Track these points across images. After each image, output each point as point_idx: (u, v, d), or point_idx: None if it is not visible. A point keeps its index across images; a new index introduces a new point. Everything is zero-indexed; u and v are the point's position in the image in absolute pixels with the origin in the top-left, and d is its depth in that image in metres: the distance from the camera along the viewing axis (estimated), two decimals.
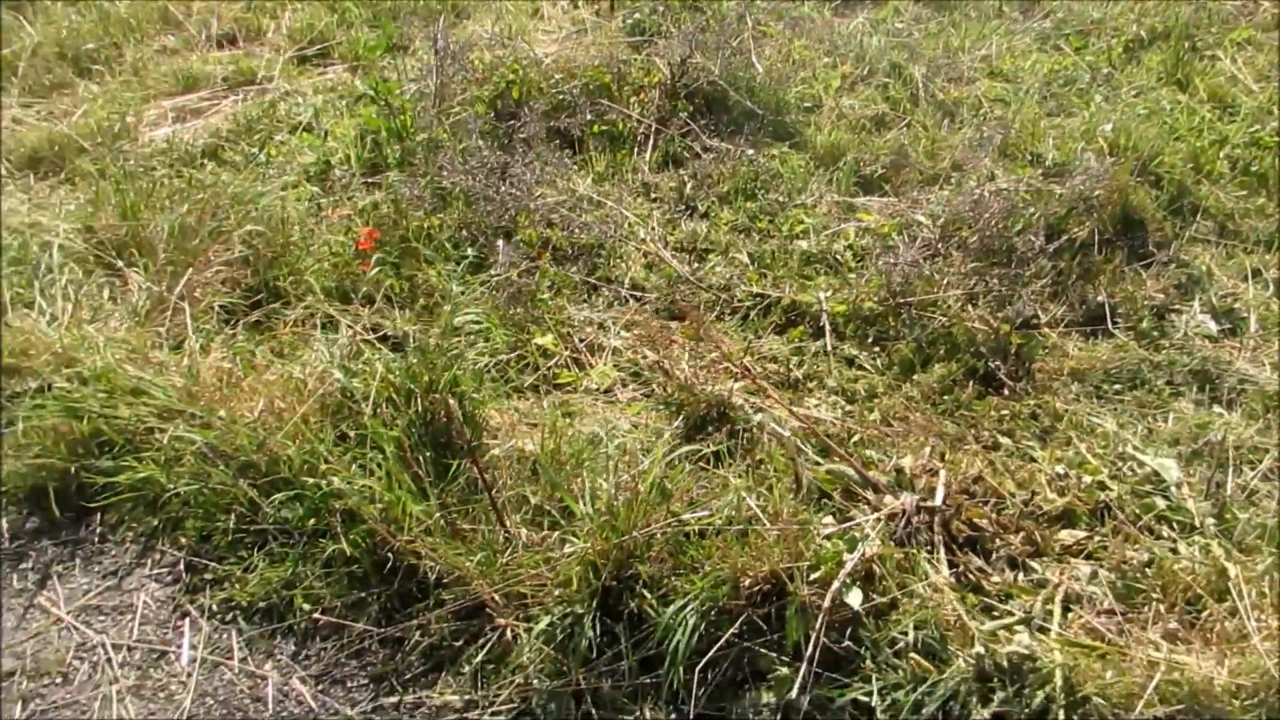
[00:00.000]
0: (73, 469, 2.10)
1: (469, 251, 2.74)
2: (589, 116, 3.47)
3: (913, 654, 1.70)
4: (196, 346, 2.18)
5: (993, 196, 2.83)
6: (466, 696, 1.77)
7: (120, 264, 2.57)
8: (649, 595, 1.78)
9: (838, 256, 2.88)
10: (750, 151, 3.33)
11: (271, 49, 4.05)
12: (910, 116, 3.57)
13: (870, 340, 2.60)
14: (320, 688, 1.81)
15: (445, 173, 2.87)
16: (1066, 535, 1.98)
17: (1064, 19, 4.29)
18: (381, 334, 2.40)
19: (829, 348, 2.54)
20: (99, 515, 2.11)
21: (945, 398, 2.39)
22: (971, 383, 2.42)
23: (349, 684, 1.83)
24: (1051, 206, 2.85)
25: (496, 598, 1.80)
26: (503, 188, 2.85)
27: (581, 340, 2.55)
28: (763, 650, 1.75)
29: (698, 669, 1.72)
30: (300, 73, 3.87)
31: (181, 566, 2.02)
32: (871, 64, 3.90)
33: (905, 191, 3.15)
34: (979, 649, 1.67)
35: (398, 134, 3.15)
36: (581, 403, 2.36)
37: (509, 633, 1.79)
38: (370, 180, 3.05)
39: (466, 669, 1.81)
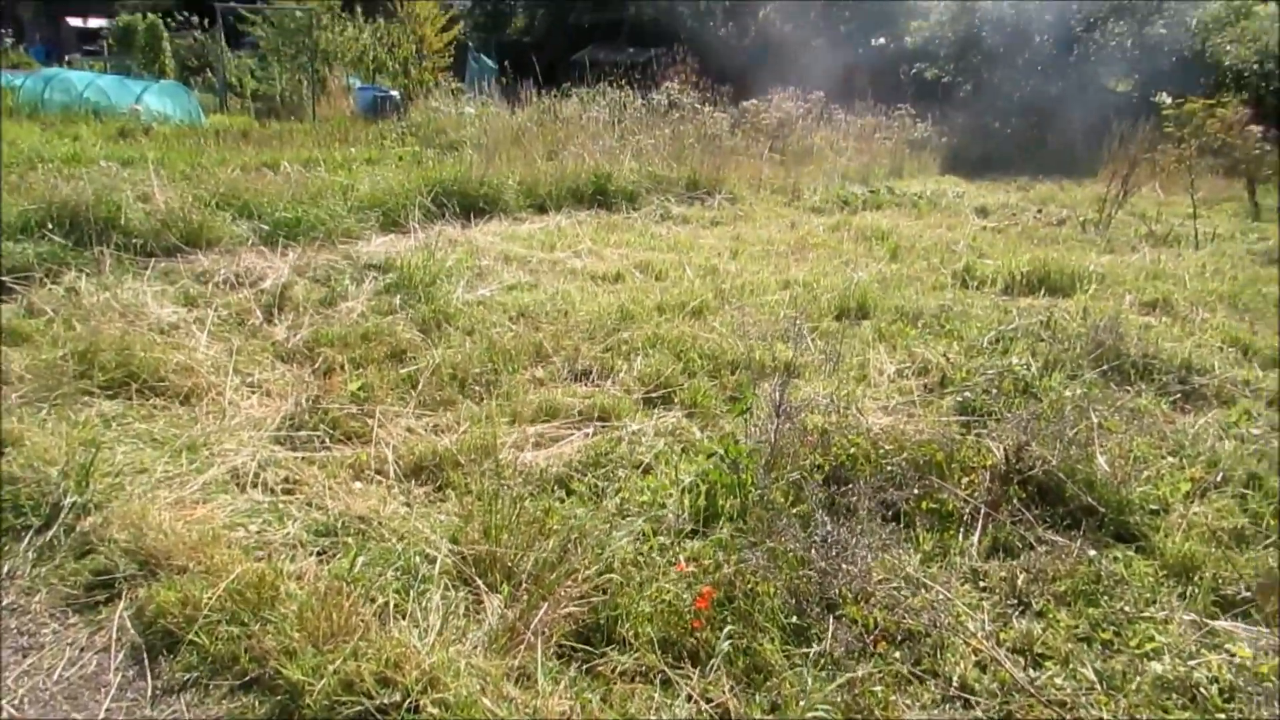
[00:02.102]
0: None
1: (794, 619, 2.76)
2: (917, 492, 3.51)
3: None
4: (546, 689, 2.30)
5: None
6: None
7: (480, 583, 2.82)
8: None
9: (1201, 689, 2.60)
10: (1091, 552, 3.18)
11: (622, 388, 4.51)
12: (1274, 535, 3.30)
13: None
14: None
15: (781, 537, 2.96)
16: None
17: None
18: (715, 703, 2.42)
19: None
20: None
21: None
22: None
23: None
24: None
25: None
26: (833, 559, 2.89)
27: None
28: None
29: None
30: (645, 413, 4.25)
31: None
32: (1225, 470, 3.70)
33: (1277, 622, 2.84)
34: None
35: (735, 489, 3.33)
36: None
37: None
38: (703, 530, 3.21)
39: None
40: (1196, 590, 3.00)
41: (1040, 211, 11.27)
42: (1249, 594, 2.98)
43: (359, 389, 4.26)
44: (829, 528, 2.94)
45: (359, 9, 19.86)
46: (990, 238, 9.20)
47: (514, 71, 14.91)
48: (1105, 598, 3.00)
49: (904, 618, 2.84)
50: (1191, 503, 3.51)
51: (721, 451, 3.41)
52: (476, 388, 4.44)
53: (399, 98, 17.38)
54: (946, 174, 15.75)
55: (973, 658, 2.75)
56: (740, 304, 5.90)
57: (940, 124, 18.26)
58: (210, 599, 2.58)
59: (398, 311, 5.31)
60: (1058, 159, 16.27)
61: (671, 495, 3.44)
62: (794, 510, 3.25)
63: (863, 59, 24.71)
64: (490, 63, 22.54)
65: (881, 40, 26.59)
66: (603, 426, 4.11)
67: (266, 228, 6.71)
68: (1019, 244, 8.72)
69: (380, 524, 3.16)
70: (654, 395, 4.46)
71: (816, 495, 3.30)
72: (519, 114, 13.41)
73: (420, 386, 4.34)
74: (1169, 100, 11.82)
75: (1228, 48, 17.63)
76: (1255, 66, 17.81)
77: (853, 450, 3.62)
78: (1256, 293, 6.73)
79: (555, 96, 14.58)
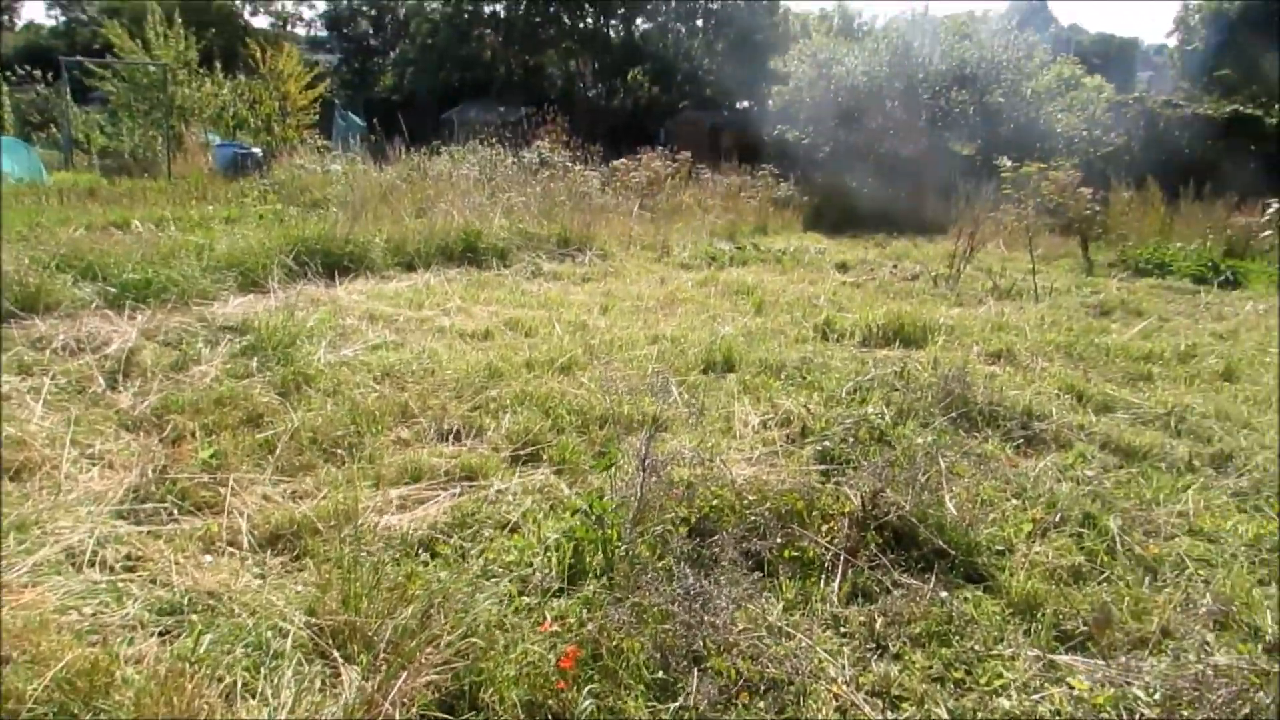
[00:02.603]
0: None
1: (660, 674, 2.76)
2: (779, 541, 3.59)
3: None
4: None
5: (1215, 675, 2.67)
6: None
7: (337, 655, 2.72)
8: None
9: None
10: (943, 593, 3.31)
11: (490, 447, 4.47)
12: (1109, 570, 3.51)
13: None
14: None
15: (646, 592, 2.97)
16: None
17: (1261, 480, 4.24)
18: None
19: None
20: None
21: None
22: None
23: None
24: None
25: None
26: (698, 611, 2.92)
27: None
28: None
29: None
30: (513, 472, 4.22)
31: None
32: (1063, 511, 3.92)
33: (1113, 655, 3.01)
34: None
35: (601, 546, 3.33)
36: None
37: None
38: (570, 588, 3.19)
39: None
40: (1039, 626, 3.16)
41: (896, 267, 11.83)
42: (1086, 628, 3.16)
43: (211, 457, 4.08)
44: (691, 580, 2.97)
45: (218, 64, 19.38)
46: (850, 292, 9.58)
47: (383, 129, 14.78)
48: (957, 638, 3.12)
49: (767, 667, 2.89)
50: (1033, 542, 3.70)
51: (587, 507, 3.41)
52: (338, 451, 4.31)
53: (261, 155, 16.98)
54: (809, 231, 16.37)
55: (833, 703, 2.80)
56: (609, 359, 5.95)
57: (802, 183, 19.02)
58: (35, 691, 2.40)
59: (255, 374, 5.13)
60: (911, 217, 17.14)
61: (539, 554, 3.41)
62: (660, 564, 3.27)
63: (728, 121, 25.61)
64: (358, 120, 22.31)
65: (746, 103, 27.64)
66: (470, 486, 4.05)
67: (113, 290, 6.38)
68: (876, 298, 9.11)
69: (231, 599, 3.02)
70: (522, 453, 4.43)
71: (681, 548, 3.34)
72: (388, 171, 13.29)
73: (278, 452, 4.19)
74: (1008, 163, 12.68)
75: (1059, 116, 19.06)
76: (1084, 133, 19.31)
77: (716, 502, 3.68)
78: (1090, 342, 7.21)
79: (425, 154, 14.53)
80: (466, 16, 30.72)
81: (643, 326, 7.10)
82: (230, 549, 3.41)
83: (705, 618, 2.89)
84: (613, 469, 3.92)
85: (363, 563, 3.15)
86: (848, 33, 25.57)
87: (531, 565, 3.34)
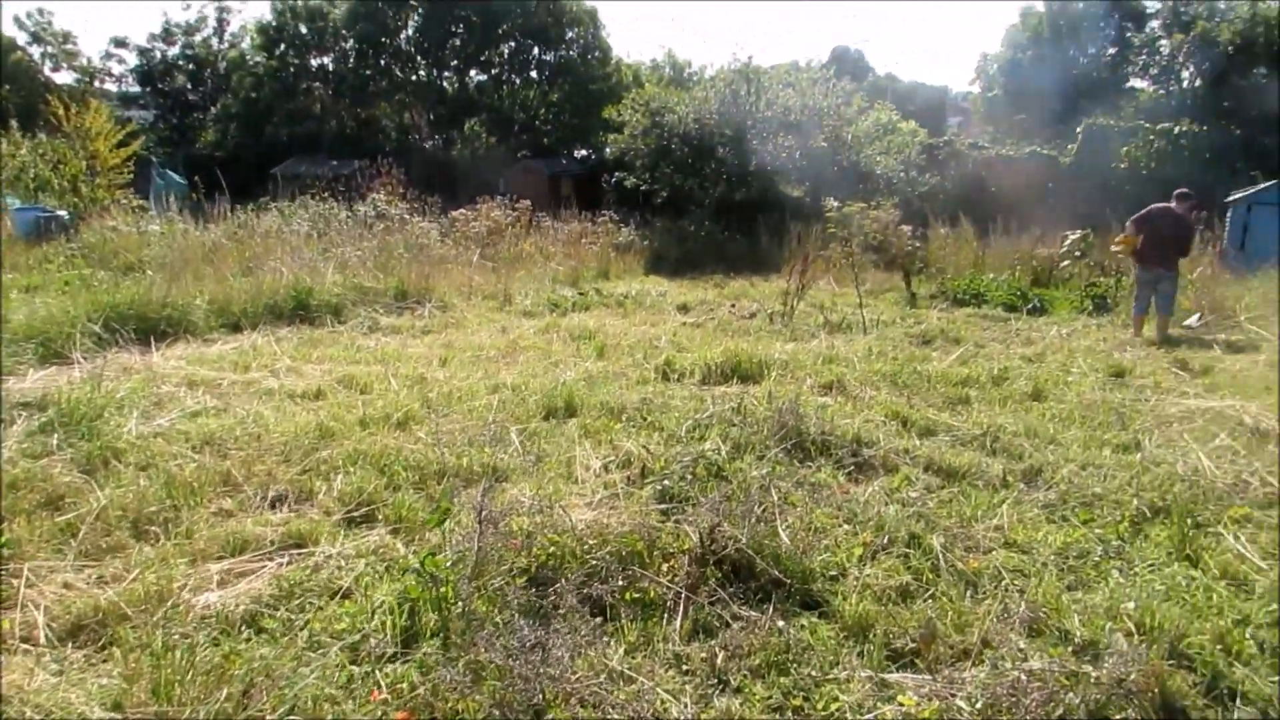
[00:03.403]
0: None
1: None
2: (621, 583, 3.58)
3: None
4: None
5: (1029, 679, 2.81)
6: None
7: None
8: None
9: None
10: (781, 623, 3.37)
11: (321, 511, 4.29)
12: (934, 587, 3.66)
13: None
14: None
15: (482, 648, 2.90)
16: None
17: (1067, 491, 4.54)
18: None
19: None
20: None
21: None
22: None
23: None
24: (1090, 692, 2.82)
25: None
26: (536, 663, 2.86)
27: None
28: None
29: None
30: (346, 535, 4.05)
31: None
32: (890, 533, 4.08)
33: (938, 669, 3.13)
34: None
35: (437, 604, 3.23)
36: None
37: None
38: (405, 652, 3.07)
39: None
40: (871, 647, 3.25)
41: (734, 306, 12.18)
42: (914, 644, 3.28)
43: (2, 545, 3.74)
44: (527, 632, 2.91)
45: (14, 123, 18.15)
46: (690, 332, 9.78)
47: (205, 186, 14.17)
48: (795, 665, 3.17)
49: (609, 713, 2.85)
50: (864, 565, 3.83)
51: (419, 566, 3.30)
52: (151, 528, 4.03)
53: (68, 218, 15.93)
54: (651, 274, 16.68)
55: None
56: (448, 411, 5.84)
57: (643, 228, 19.40)
58: None
59: (55, 452, 4.75)
60: (748, 258, 17.74)
61: (371, 619, 3.27)
62: (498, 617, 3.20)
63: (568, 169, 25.90)
64: (178, 178, 21.31)
65: (584, 152, 28.04)
66: (298, 554, 3.86)
67: None
68: (715, 337, 9.33)
69: (23, 701, 2.76)
70: (356, 514, 4.27)
71: (519, 599, 3.27)
72: (211, 230, 12.72)
73: (81, 534, 3.88)
74: (834, 204, 13.33)
75: (878, 158, 20.22)
76: (902, 174, 20.54)
77: (553, 549, 3.64)
78: (913, 371, 7.59)
79: (252, 211, 14.00)
80: (292, 70, 29.94)
81: (483, 376, 7.02)
82: (25, 646, 3.12)
83: (544, 669, 2.84)
84: (448, 524, 3.82)
85: (176, 646, 2.95)
86: (679, 82, 26.40)
87: (364, 631, 3.20)
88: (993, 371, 7.63)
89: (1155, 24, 33.73)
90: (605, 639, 3.25)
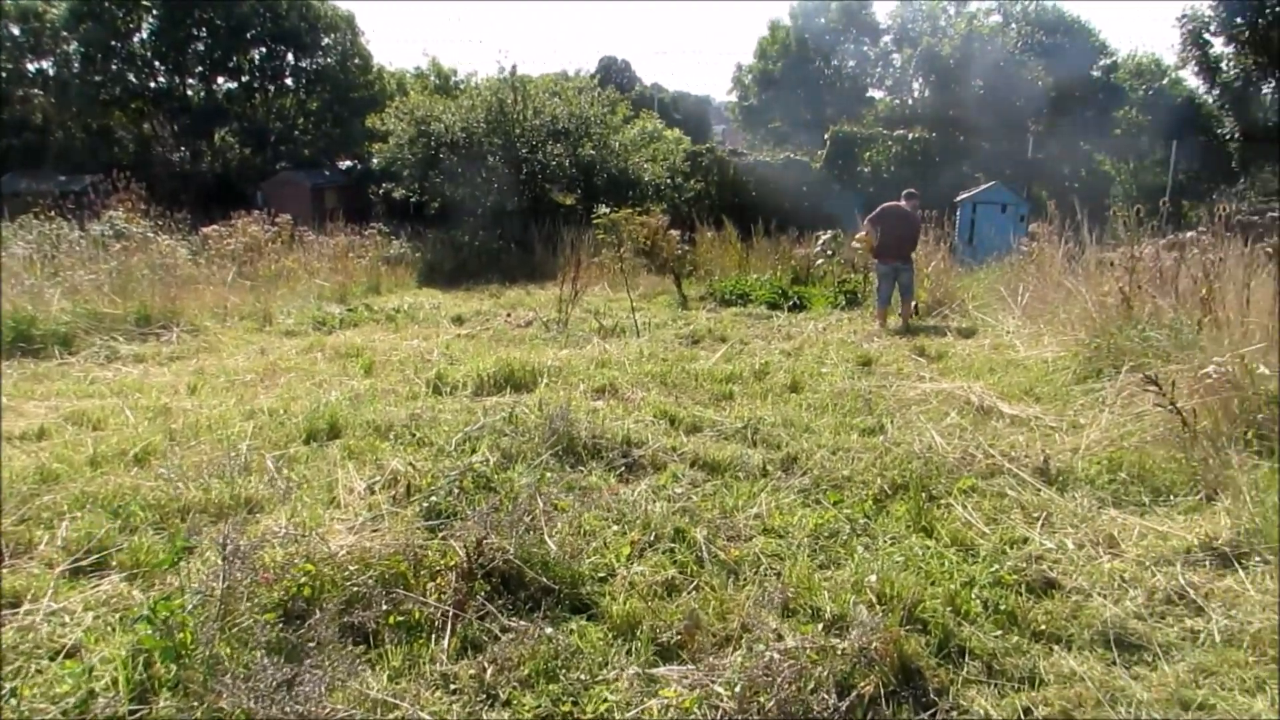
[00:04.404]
0: None
1: None
2: (385, 607, 3.45)
3: None
4: None
5: (782, 658, 2.94)
6: None
7: None
8: None
9: None
10: (549, 630, 3.36)
11: (42, 563, 3.86)
12: (698, 579, 3.77)
13: None
14: None
15: (224, 695, 2.70)
16: None
17: (820, 476, 4.82)
18: None
19: None
20: None
21: None
22: None
23: None
24: (836, 663, 2.99)
25: None
26: (284, 703, 2.70)
27: None
28: None
29: None
30: (71, 587, 3.67)
31: None
32: (657, 530, 4.17)
33: (701, 658, 3.22)
34: None
35: (174, 653, 2.98)
36: None
37: None
38: (137, 710, 2.81)
39: None
40: (639, 644, 3.30)
41: (510, 316, 12.10)
42: (679, 637, 3.36)
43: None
44: (272, 671, 2.74)
45: None
46: (464, 344, 9.63)
47: None
48: (564, 671, 3.17)
49: None
50: (632, 564, 3.89)
51: (149, 613, 3.03)
52: None
53: None
54: (425, 287, 16.30)
55: None
56: (196, 442, 5.43)
57: (414, 240, 18.93)
58: None
59: None
60: (524, 266, 17.71)
61: (100, 677, 2.98)
62: (245, 659, 2.99)
63: (331, 181, 24.92)
64: None
65: (349, 162, 27.06)
66: (12, 615, 3.45)
67: None
68: (490, 348, 9.23)
69: None
70: (85, 563, 3.87)
71: (270, 636, 3.08)
72: None
73: None
74: (604, 211, 13.54)
75: (645, 165, 20.75)
76: (668, 181, 21.19)
77: (305, 580, 3.45)
78: (682, 370, 7.82)
79: None
80: (4, 75, 26.80)
81: (238, 402, 6.60)
82: None
83: (293, 708, 2.68)
84: (192, 564, 3.55)
85: None
86: (445, 90, 25.96)
87: (92, 692, 2.91)
88: (755, 367, 7.99)
89: (888, 38, 36.69)
90: (367, 667, 3.12)
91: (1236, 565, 3.88)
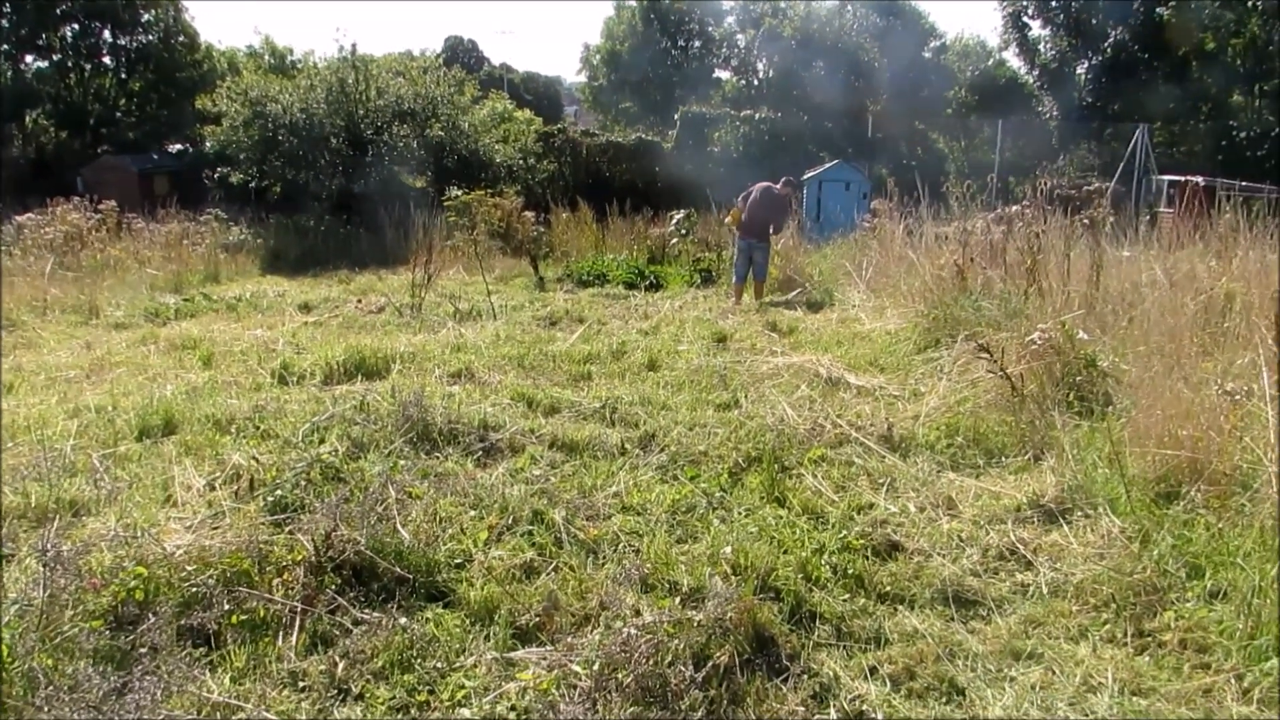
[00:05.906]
0: None
1: None
2: (226, 607, 3.28)
3: None
4: None
5: (640, 633, 2.96)
6: None
7: None
8: None
9: None
10: (404, 620, 3.28)
11: None
12: (557, 560, 3.75)
13: None
14: None
15: (46, 709, 2.51)
16: None
17: (677, 452, 4.87)
18: None
19: None
20: None
21: None
22: None
23: None
24: (693, 635, 3.03)
25: None
26: (113, 712, 2.53)
27: None
28: None
29: None
30: None
31: None
32: (515, 513, 4.12)
33: (560, 638, 3.21)
34: None
35: None
36: None
37: None
38: None
39: None
40: (497, 629, 3.26)
41: (360, 301, 11.70)
42: (538, 619, 3.33)
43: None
44: (98, 681, 2.57)
45: None
46: (312, 332, 9.26)
47: None
48: (420, 660, 3.10)
49: None
50: (490, 548, 3.84)
51: None
52: None
53: None
54: (269, 274, 15.58)
55: None
56: (12, 445, 5.03)
57: (255, 226, 18.05)
58: None
59: None
60: (374, 251, 17.14)
61: None
62: (70, 669, 2.79)
63: (161, 165, 23.51)
64: None
65: (180, 146, 25.57)
66: None
67: None
68: (340, 335, 8.90)
69: None
70: None
71: (97, 645, 2.88)
72: None
73: None
74: (456, 193, 13.26)
75: (497, 146, 20.43)
76: (520, 162, 20.94)
77: (135, 583, 3.24)
78: (539, 352, 7.76)
79: None
80: None
81: (60, 400, 6.14)
82: None
83: (127, 716, 2.51)
84: (4, 574, 3.28)
85: None
86: (282, 70, 24.76)
87: None
88: (612, 347, 8.00)
89: (732, 19, 37.33)
90: (207, 670, 2.97)
91: (1061, 520, 4.15)
